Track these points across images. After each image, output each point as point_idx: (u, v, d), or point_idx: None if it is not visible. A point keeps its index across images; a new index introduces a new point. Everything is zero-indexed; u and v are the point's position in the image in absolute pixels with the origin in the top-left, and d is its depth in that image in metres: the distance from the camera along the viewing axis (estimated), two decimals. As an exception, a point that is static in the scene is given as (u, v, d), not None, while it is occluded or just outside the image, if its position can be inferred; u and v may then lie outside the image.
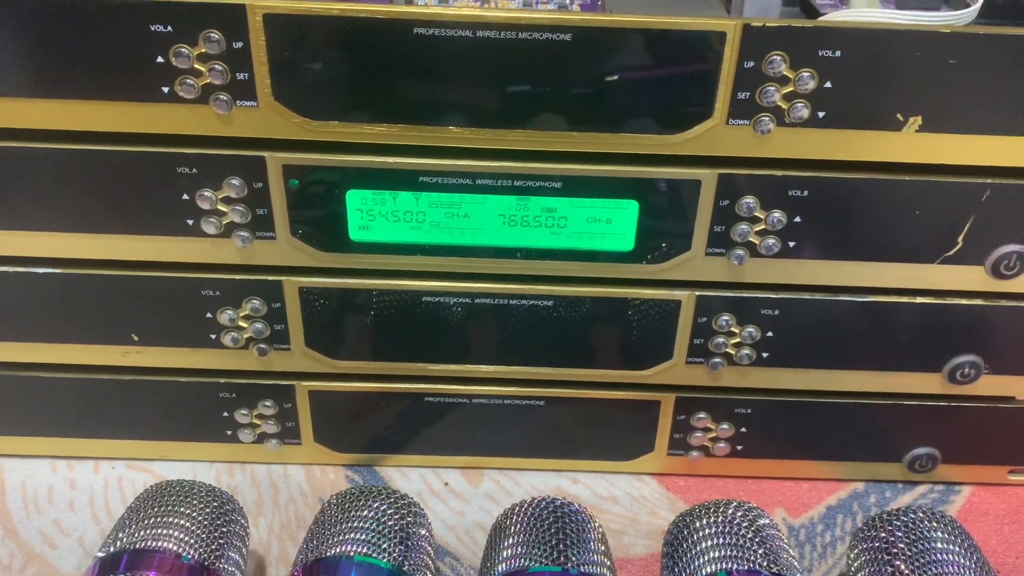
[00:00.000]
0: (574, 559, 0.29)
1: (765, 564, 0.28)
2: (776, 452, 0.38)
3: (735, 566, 0.28)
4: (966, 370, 0.34)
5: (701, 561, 0.29)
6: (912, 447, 0.37)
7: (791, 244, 0.32)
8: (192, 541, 0.29)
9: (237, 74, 0.29)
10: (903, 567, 0.29)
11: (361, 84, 0.29)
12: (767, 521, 0.30)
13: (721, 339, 0.34)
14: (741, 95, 0.29)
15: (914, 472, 0.38)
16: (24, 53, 0.29)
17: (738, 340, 0.34)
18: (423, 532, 0.31)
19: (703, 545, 0.29)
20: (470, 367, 0.35)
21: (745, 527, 0.30)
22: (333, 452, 0.38)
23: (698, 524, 0.30)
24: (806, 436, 0.37)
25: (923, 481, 0.39)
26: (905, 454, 0.37)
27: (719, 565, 0.28)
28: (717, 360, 0.35)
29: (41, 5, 0.28)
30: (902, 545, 0.29)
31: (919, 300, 0.33)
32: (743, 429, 0.37)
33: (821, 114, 0.29)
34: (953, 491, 0.38)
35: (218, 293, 0.33)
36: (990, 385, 0.35)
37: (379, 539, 0.29)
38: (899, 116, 0.29)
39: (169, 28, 0.28)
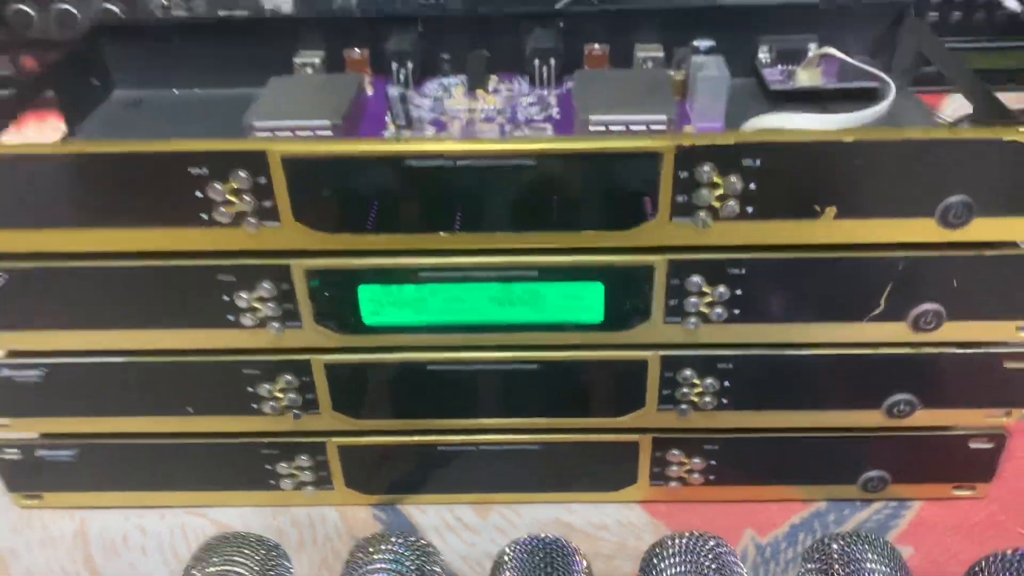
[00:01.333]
0: (561, 590, 0.35)
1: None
2: (743, 479, 0.43)
3: None
4: (901, 407, 0.40)
5: None
6: (863, 471, 0.42)
7: (736, 311, 0.37)
8: (247, 584, 0.35)
9: (263, 202, 0.35)
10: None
11: (364, 205, 0.35)
12: (726, 549, 0.36)
13: (686, 389, 0.40)
14: (679, 199, 0.34)
15: (868, 492, 0.43)
16: (88, 192, 0.35)
17: (700, 390, 0.40)
18: (437, 569, 0.37)
19: (669, 572, 0.35)
20: (473, 421, 0.41)
21: (704, 553, 0.36)
22: (362, 495, 0.44)
23: (666, 553, 0.36)
24: (769, 465, 0.43)
25: (877, 499, 0.44)
26: (858, 477, 0.43)
27: None
28: (684, 407, 0.40)
29: (100, 156, 0.34)
30: (837, 567, 0.35)
31: (854, 352, 0.38)
32: (713, 462, 0.42)
33: (750, 209, 0.34)
34: (904, 507, 0.44)
35: (258, 371, 0.40)
36: (926, 417, 0.40)
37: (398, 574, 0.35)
38: (816, 207, 0.34)
39: (205, 170, 0.34)
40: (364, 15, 0.50)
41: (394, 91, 0.43)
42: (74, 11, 0.70)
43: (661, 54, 0.46)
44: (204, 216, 0.35)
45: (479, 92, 0.46)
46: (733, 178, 0.34)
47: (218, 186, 0.34)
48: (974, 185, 0.34)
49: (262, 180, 0.34)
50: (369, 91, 0.46)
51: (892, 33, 0.46)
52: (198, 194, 0.35)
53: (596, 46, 0.47)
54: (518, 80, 0.47)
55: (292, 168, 0.34)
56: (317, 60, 0.47)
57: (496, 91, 0.46)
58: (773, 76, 0.45)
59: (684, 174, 0.34)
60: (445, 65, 0.48)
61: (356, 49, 0.47)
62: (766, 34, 0.47)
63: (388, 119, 0.43)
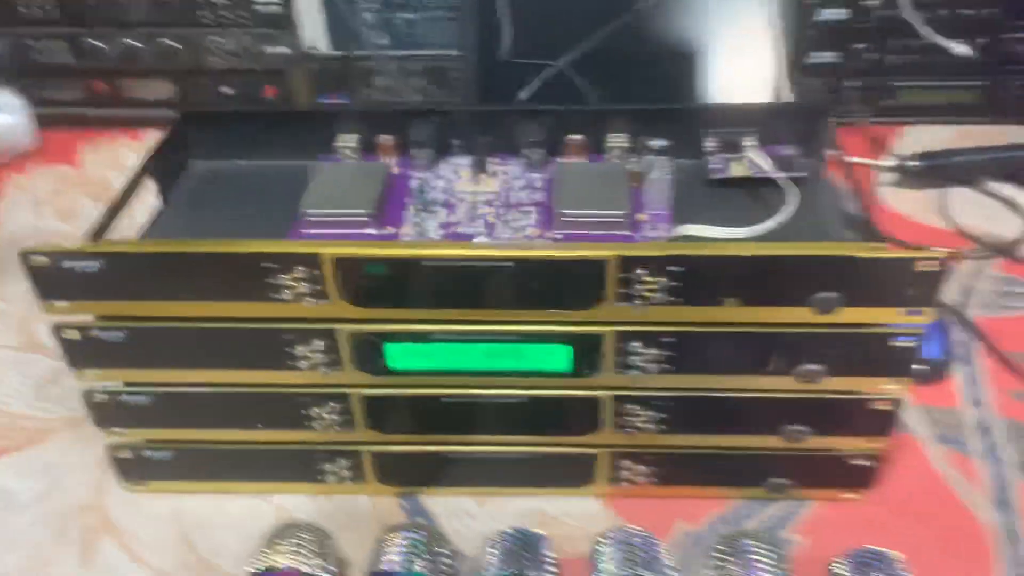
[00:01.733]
0: (532, 570, 0.48)
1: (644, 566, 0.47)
2: (679, 482, 0.56)
3: (627, 570, 0.47)
4: (796, 435, 0.52)
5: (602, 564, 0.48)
6: (769, 477, 0.55)
7: (666, 366, 0.50)
8: (306, 560, 0.49)
9: (316, 286, 0.48)
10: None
11: (390, 291, 0.48)
12: (656, 542, 0.49)
13: (630, 418, 0.52)
14: (622, 290, 0.47)
15: (774, 492, 0.56)
16: (188, 275, 0.48)
17: (643, 419, 0.52)
18: (443, 551, 0.50)
19: (608, 559, 0.48)
20: (474, 436, 0.55)
21: (639, 543, 0.49)
22: (388, 487, 0.58)
23: (607, 542, 0.49)
24: (697, 472, 0.56)
25: (782, 498, 0.57)
26: (764, 482, 0.55)
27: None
28: (629, 429, 0.53)
29: (194, 255, 0.47)
30: (729, 560, 0.48)
31: (757, 395, 0.51)
32: (654, 468, 0.55)
33: (673, 298, 0.47)
34: (803, 505, 0.57)
35: (309, 399, 0.53)
36: (817, 442, 0.53)
37: (414, 556, 0.49)
38: (722, 299, 0.47)
39: (275, 264, 0.47)
40: (393, 108, 0.62)
41: (414, 183, 0.55)
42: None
43: (627, 144, 0.58)
44: (273, 295, 0.48)
45: (481, 176, 0.58)
46: (661, 277, 0.46)
47: (283, 276, 0.47)
48: (839, 285, 0.46)
49: (316, 272, 0.47)
50: (395, 171, 0.58)
51: (814, 128, 0.58)
52: (269, 280, 0.47)
53: (575, 137, 0.59)
54: (513, 163, 0.59)
55: (338, 264, 0.47)
56: (354, 143, 0.59)
57: (494, 174, 0.58)
58: (714, 164, 0.57)
59: (624, 274, 0.46)
60: (455, 148, 0.60)
61: (383, 136, 0.59)
62: (712, 127, 0.58)
63: (408, 202, 0.55)
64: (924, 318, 0.46)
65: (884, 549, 0.48)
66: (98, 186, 0.89)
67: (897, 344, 0.48)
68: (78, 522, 0.57)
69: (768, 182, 0.56)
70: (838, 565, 0.49)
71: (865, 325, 0.47)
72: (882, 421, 0.51)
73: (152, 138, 0.60)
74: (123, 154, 0.94)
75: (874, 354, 0.48)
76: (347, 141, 0.59)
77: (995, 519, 0.55)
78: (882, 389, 0.50)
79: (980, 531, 0.55)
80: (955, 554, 0.53)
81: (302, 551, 0.49)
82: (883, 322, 0.47)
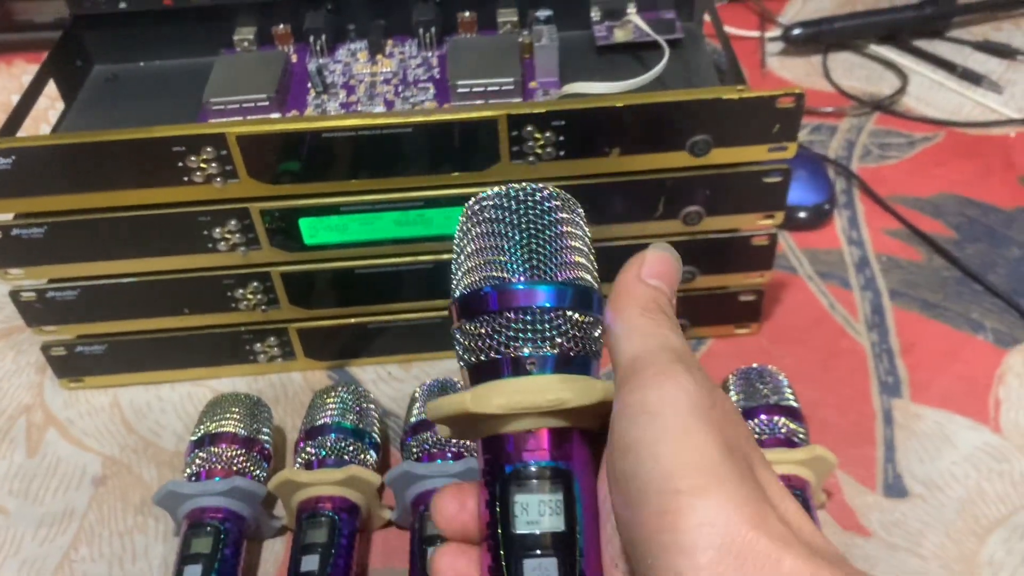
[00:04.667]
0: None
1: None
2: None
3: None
4: (686, 275, 0.57)
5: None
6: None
7: (564, 220, 0.54)
8: (242, 424, 0.53)
9: (226, 166, 0.50)
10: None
11: (298, 164, 0.50)
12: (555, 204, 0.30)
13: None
14: (514, 148, 0.50)
15: (674, 335, 0.61)
16: (101, 165, 0.50)
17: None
18: (371, 405, 0.54)
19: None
20: (392, 305, 0.58)
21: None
22: (317, 362, 0.61)
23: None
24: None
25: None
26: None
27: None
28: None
29: (110, 142, 0.49)
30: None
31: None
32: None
33: (562, 152, 0.50)
34: (701, 343, 0.62)
35: (232, 281, 0.56)
36: (706, 281, 0.58)
37: (344, 411, 0.53)
38: (606, 149, 0.50)
39: (183, 148, 0.49)
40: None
41: (312, 66, 0.57)
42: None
43: (516, 17, 0.60)
44: (185, 178, 0.50)
45: (378, 57, 0.60)
46: (548, 133, 0.49)
47: (192, 158, 0.49)
48: (710, 128, 0.50)
49: (223, 152, 0.49)
50: (293, 59, 0.60)
51: (690, -9, 0.61)
52: (179, 163, 0.50)
53: (467, 13, 0.61)
54: (409, 43, 0.61)
55: (244, 142, 0.49)
56: (251, 36, 0.61)
57: (391, 55, 0.60)
58: (600, 32, 0.60)
59: (515, 132, 0.49)
60: (351, 34, 0.62)
61: (281, 25, 0.61)
62: (596, -3, 0.61)
63: (310, 86, 0.58)
64: (788, 153, 0.51)
65: (767, 365, 0.54)
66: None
67: (767, 180, 0.52)
68: (23, 420, 0.60)
69: (651, 47, 0.59)
70: (726, 382, 0.54)
71: (737, 165, 0.52)
72: (762, 255, 0.56)
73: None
74: (24, 80, 0.93)
75: (748, 191, 0.53)
76: (245, 34, 0.61)
77: (871, 340, 0.61)
78: (759, 225, 0.55)
79: (858, 351, 0.61)
80: (835, 370, 0.59)
81: (238, 418, 0.53)
82: (752, 160, 0.51)
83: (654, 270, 0.29)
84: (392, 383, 0.61)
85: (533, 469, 0.28)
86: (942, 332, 0.61)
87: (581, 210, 0.31)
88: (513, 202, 0.30)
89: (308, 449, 0.51)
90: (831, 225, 0.70)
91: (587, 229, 0.31)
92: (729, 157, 0.51)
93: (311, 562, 0.47)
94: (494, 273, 0.29)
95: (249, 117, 0.55)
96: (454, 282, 0.31)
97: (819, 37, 0.86)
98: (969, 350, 0.60)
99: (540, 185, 0.30)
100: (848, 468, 0.54)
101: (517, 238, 0.29)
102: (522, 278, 0.29)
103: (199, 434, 0.52)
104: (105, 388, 0.61)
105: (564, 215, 0.30)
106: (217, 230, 0.53)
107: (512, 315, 0.28)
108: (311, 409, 0.53)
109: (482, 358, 0.29)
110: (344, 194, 0.52)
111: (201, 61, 0.61)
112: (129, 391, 0.61)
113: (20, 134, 0.52)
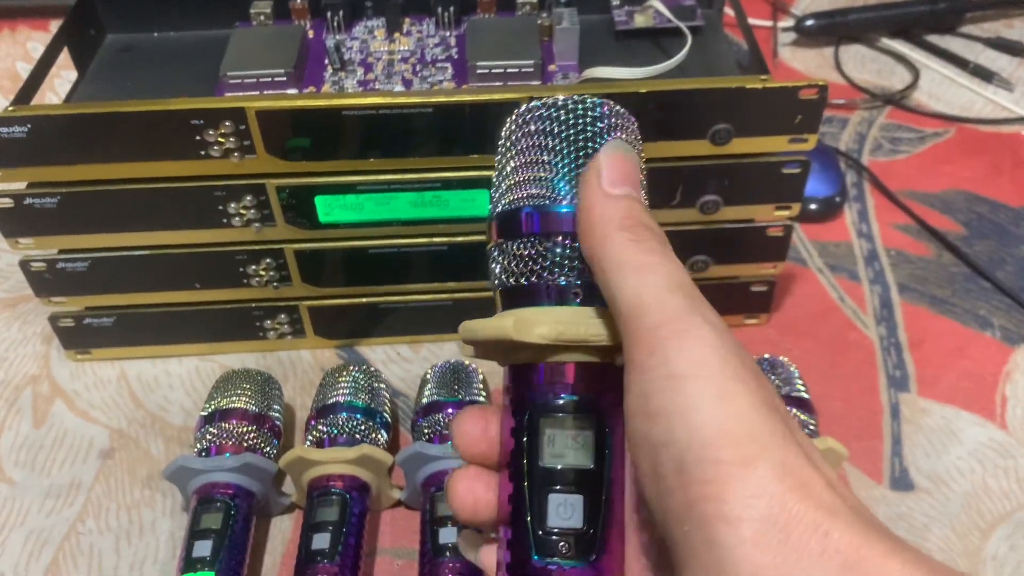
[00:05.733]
0: (463, 393, 0.52)
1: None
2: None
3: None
4: (699, 265, 0.57)
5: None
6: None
7: (581, 205, 0.53)
8: (253, 401, 0.52)
9: (244, 141, 0.49)
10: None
11: (316, 141, 0.50)
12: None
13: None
14: (535, 131, 0.50)
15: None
16: (122, 136, 0.49)
17: (561, 258, 0.56)
18: (382, 385, 0.54)
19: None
20: (404, 286, 0.58)
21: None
22: (327, 340, 0.61)
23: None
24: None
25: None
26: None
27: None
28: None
29: (131, 113, 0.48)
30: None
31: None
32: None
33: (583, 137, 0.50)
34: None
35: (245, 257, 0.55)
36: (719, 271, 0.58)
37: (356, 391, 0.53)
38: (627, 135, 0.50)
39: (202, 121, 0.48)
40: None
41: (330, 41, 0.57)
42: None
43: None
44: (202, 152, 0.50)
45: (396, 35, 0.60)
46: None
47: (211, 132, 0.49)
48: (731, 117, 0.50)
49: (242, 127, 0.49)
50: (310, 35, 0.60)
51: (712, -21, 0.61)
52: (197, 137, 0.49)
53: (486, -7, 0.60)
54: (427, 22, 0.61)
55: (263, 118, 0.49)
56: (268, 9, 0.60)
57: (408, 33, 0.60)
58: (619, 17, 0.60)
59: (536, 115, 0.49)
60: (368, 10, 0.61)
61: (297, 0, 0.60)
62: (617, -19, 0.61)
63: (327, 62, 0.57)
64: (808, 145, 0.51)
65: (778, 356, 0.54)
66: (5, 78, 0.87)
67: (785, 171, 0.52)
68: (29, 391, 0.59)
69: (671, 33, 0.59)
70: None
71: (757, 155, 0.52)
72: (777, 246, 0.56)
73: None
74: (29, 46, 0.92)
75: (766, 181, 0.53)
76: (262, 8, 0.60)
77: (879, 333, 0.62)
78: (775, 216, 0.55)
79: (866, 344, 0.61)
80: (843, 364, 0.60)
81: (249, 394, 0.52)
82: (772, 151, 0.51)
83: (616, 175, 0.26)
84: (402, 363, 0.61)
85: (564, 402, 0.27)
86: (950, 328, 0.62)
87: (635, 124, 0.29)
88: (562, 112, 0.28)
89: (319, 427, 0.51)
90: (841, 218, 0.70)
91: (642, 147, 0.29)
92: (749, 147, 0.51)
93: (322, 539, 0.47)
94: (541, 191, 0.27)
95: (266, 92, 0.54)
96: (495, 196, 0.29)
97: (832, 29, 0.86)
98: (976, 347, 0.60)
99: (592, 97, 0.29)
100: (855, 461, 0.54)
101: (565, 152, 0.27)
102: (569, 200, 0.27)
103: (209, 409, 0.52)
104: (112, 361, 0.61)
105: (617, 131, 0.28)
106: (232, 205, 0.52)
107: (560, 239, 0.27)
108: (323, 387, 0.53)
109: (522, 281, 0.28)
110: (360, 173, 0.52)
111: (216, 34, 0.60)
112: (137, 364, 0.61)
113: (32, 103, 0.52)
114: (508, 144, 0.29)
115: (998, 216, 0.70)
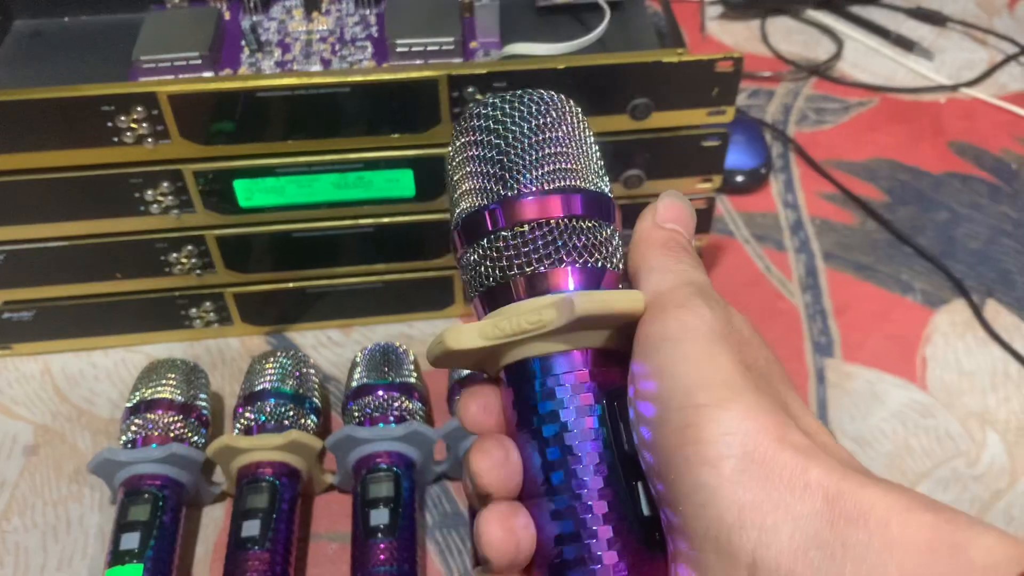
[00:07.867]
0: (393, 375, 0.52)
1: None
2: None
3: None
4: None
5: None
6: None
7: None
8: (179, 390, 0.52)
9: (157, 126, 0.48)
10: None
11: (231, 123, 0.49)
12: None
13: (478, 237, 0.56)
14: (455, 109, 0.49)
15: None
16: (30, 124, 0.48)
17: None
18: (311, 370, 0.54)
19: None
20: (330, 269, 0.57)
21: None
22: (255, 327, 0.60)
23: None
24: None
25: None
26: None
27: None
28: (479, 249, 0.57)
29: (40, 100, 0.47)
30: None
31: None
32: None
33: (503, 114, 0.50)
34: (641, 306, 0.63)
35: (166, 245, 0.54)
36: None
37: (284, 377, 0.52)
38: (547, 111, 0.50)
39: (113, 107, 0.47)
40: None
41: (246, 23, 0.56)
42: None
43: (456, -23, 0.59)
44: (115, 139, 0.49)
45: (314, 14, 0.59)
46: (489, 94, 0.49)
47: (123, 118, 0.48)
48: (649, 91, 0.50)
49: (155, 112, 0.48)
50: (226, 16, 0.59)
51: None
52: (108, 124, 0.48)
53: (405, -29, 0.60)
54: (346, 1, 0.60)
55: (176, 102, 0.48)
56: (182, -9, 0.59)
57: (327, 12, 0.59)
58: (541, -8, 0.60)
59: (455, 92, 0.49)
60: (287, -10, 0.60)
61: (213, -19, 0.59)
62: (537, -43, 0.61)
63: (243, 43, 0.56)
64: (726, 117, 0.51)
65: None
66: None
67: (706, 144, 0.53)
68: (-54, 389, 0.58)
69: (592, 8, 0.59)
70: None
71: (676, 128, 0.52)
72: (700, 219, 0.57)
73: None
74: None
75: (687, 154, 0.53)
76: (176, -11, 0.59)
77: (804, 301, 0.63)
78: (697, 189, 0.55)
79: (792, 312, 0.62)
80: (770, 332, 0.61)
81: (174, 384, 0.52)
82: (691, 124, 0.52)
83: (668, 215, 0.30)
84: (332, 348, 0.60)
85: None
86: (874, 293, 0.63)
87: (579, 109, 0.30)
88: (507, 106, 0.29)
89: (247, 415, 0.50)
90: (767, 189, 0.71)
91: (589, 131, 0.30)
92: (669, 121, 0.51)
93: (252, 527, 0.46)
94: (499, 187, 0.28)
95: (181, 76, 0.53)
96: (453, 208, 0.29)
97: (758, 2, 0.87)
98: (899, 311, 0.62)
99: (531, 91, 0.29)
100: (782, 426, 0.55)
101: (521, 146, 0.28)
102: (525, 189, 0.27)
103: (134, 400, 0.51)
104: (35, 355, 0.59)
105: (561, 119, 0.29)
106: (149, 192, 0.51)
107: (526, 229, 0.27)
108: (249, 374, 0.53)
109: (490, 283, 0.28)
110: (280, 155, 0.51)
111: (129, 17, 0.58)
112: (61, 358, 0.60)
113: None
114: (456, 149, 0.30)
115: (920, 183, 0.71)
